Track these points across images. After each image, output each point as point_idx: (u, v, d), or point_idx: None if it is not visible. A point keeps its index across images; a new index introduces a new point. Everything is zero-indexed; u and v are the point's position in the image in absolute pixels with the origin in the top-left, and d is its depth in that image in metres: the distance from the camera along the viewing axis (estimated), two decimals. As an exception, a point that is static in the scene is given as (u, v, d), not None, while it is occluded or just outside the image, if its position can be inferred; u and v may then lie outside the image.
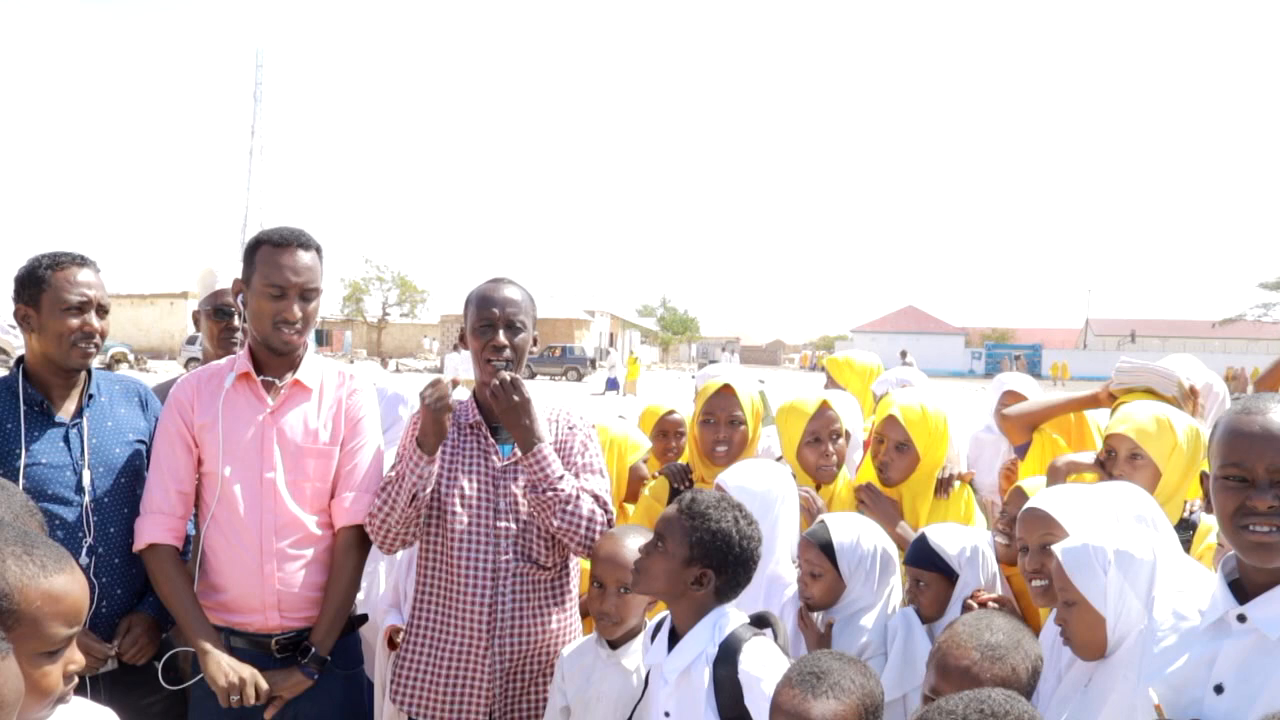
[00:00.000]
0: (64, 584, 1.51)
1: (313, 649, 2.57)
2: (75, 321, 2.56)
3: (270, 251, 2.57)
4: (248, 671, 2.46)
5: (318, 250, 2.66)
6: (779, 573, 2.71)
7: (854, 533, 2.59)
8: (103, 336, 2.64)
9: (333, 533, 2.69)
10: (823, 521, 2.65)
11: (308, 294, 2.60)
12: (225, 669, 2.44)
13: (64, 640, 1.50)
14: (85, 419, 2.63)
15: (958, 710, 1.55)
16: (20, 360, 2.66)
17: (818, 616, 2.61)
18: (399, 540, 2.62)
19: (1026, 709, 1.58)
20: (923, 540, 2.59)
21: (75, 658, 1.53)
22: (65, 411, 2.64)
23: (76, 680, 1.53)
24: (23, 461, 2.51)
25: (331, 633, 2.61)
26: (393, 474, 2.60)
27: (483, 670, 2.56)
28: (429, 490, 2.56)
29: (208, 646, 2.47)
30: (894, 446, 3.10)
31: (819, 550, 2.57)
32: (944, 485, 3.14)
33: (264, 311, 2.58)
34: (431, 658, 2.62)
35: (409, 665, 2.65)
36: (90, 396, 2.67)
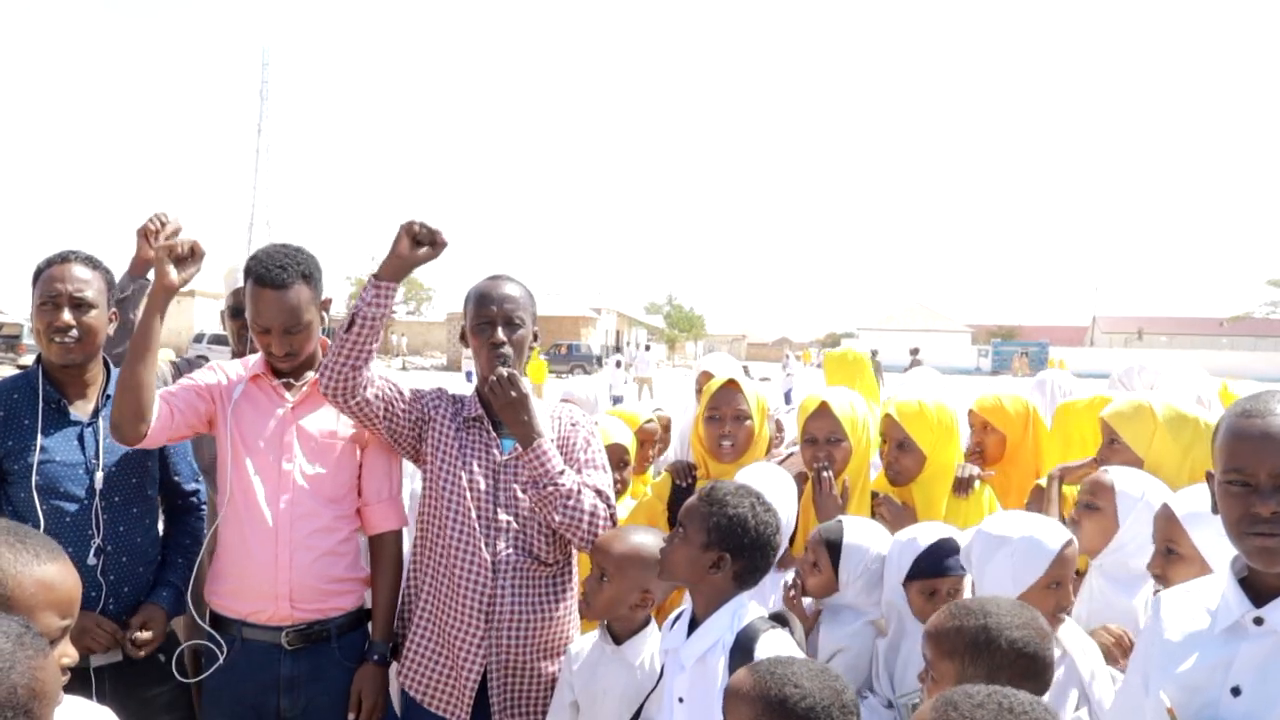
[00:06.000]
0: (57, 573, 1.52)
1: (365, 643, 2.72)
2: (47, 318, 2.58)
3: (255, 289, 2.61)
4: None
5: (305, 277, 2.62)
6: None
7: (865, 540, 2.58)
8: (86, 330, 2.60)
9: (351, 528, 2.75)
10: (840, 521, 2.65)
11: (293, 329, 2.62)
12: None
13: (58, 631, 1.51)
14: (101, 418, 2.64)
15: (978, 696, 1.52)
16: (40, 357, 2.69)
17: (808, 603, 2.64)
18: (339, 376, 2.53)
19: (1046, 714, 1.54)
20: (934, 551, 2.46)
21: (68, 651, 1.53)
22: (83, 410, 2.66)
23: (69, 675, 1.53)
24: (36, 458, 2.53)
25: (387, 624, 2.73)
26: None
27: (475, 661, 2.57)
28: (373, 327, 2.53)
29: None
30: (895, 445, 3.08)
31: (826, 547, 2.58)
32: (964, 484, 3.09)
33: (258, 341, 2.68)
34: (431, 643, 2.65)
35: (411, 647, 2.70)
36: (109, 396, 2.67)
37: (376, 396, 2.59)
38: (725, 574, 2.19)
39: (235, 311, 3.59)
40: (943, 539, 2.45)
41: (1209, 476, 1.67)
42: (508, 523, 2.61)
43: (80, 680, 2.44)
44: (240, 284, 3.49)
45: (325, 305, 2.74)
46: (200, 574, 2.77)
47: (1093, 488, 2.56)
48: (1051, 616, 2.28)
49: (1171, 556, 2.18)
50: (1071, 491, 2.98)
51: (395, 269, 2.55)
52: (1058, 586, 2.24)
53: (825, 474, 2.97)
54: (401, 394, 2.66)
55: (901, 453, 3.07)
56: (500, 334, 2.61)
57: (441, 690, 2.62)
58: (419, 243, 2.54)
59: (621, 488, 3.43)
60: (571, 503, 2.56)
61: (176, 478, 2.86)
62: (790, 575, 2.75)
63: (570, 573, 2.76)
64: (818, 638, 2.57)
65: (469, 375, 26.75)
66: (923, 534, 2.49)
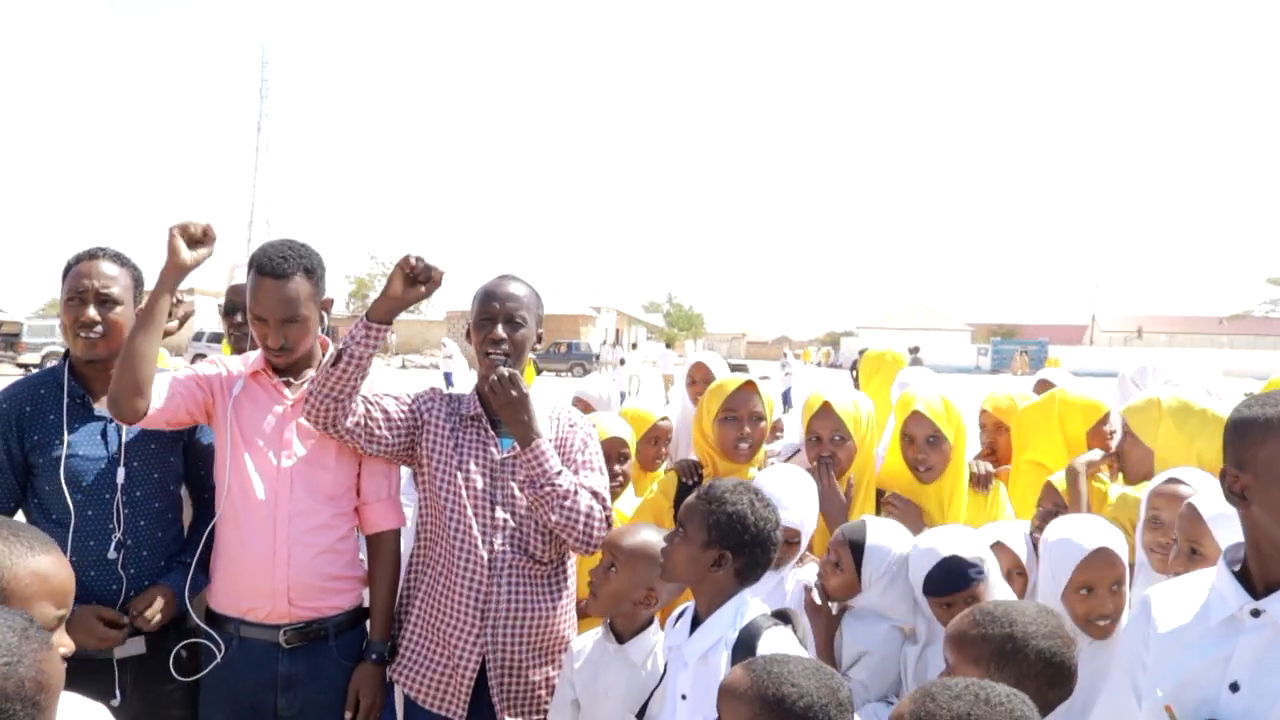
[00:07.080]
0: (51, 564, 1.55)
1: (365, 641, 2.72)
2: (73, 313, 2.61)
3: (256, 279, 2.62)
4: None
5: (306, 271, 2.63)
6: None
7: (888, 541, 2.55)
8: (112, 326, 2.63)
9: (350, 526, 2.75)
10: (863, 521, 2.64)
11: (290, 320, 2.62)
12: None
13: (54, 621, 1.54)
14: None
15: (955, 688, 1.52)
16: (68, 354, 2.72)
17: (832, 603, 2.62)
18: (321, 408, 2.54)
19: (1026, 711, 1.51)
20: (942, 568, 2.37)
21: (64, 641, 1.56)
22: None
23: (64, 665, 1.55)
24: (63, 452, 2.56)
25: (385, 623, 2.72)
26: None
27: (471, 658, 2.58)
28: (359, 365, 2.52)
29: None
30: (925, 442, 3.04)
31: (848, 547, 2.55)
32: (982, 480, 3.08)
33: (255, 332, 2.67)
34: (426, 641, 2.66)
35: (406, 645, 2.70)
36: None
37: (357, 424, 2.59)
38: (727, 571, 2.19)
39: (230, 309, 3.60)
40: (950, 556, 2.37)
41: (1224, 475, 1.61)
42: (504, 521, 2.62)
43: (104, 670, 2.49)
44: (236, 281, 3.53)
45: (326, 305, 2.74)
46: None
47: (1192, 530, 2.19)
48: (1087, 624, 2.24)
49: (1195, 556, 2.13)
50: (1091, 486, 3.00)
51: (387, 310, 2.57)
52: (1089, 593, 2.18)
53: (826, 466, 2.99)
54: (387, 414, 2.64)
55: (932, 449, 3.03)
56: (499, 331, 2.62)
57: (437, 688, 2.62)
58: (415, 281, 2.54)
59: (623, 481, 3.44)
60: (568, 503, 2.57)
61: (204, 473, 2.85)
62: (812, 575, 2.72)
63: (565, 572, 2.77)
64: (841, 640, 2.55)
65: (448, 377, 26.63)
66: (942, 543, 2.42)
